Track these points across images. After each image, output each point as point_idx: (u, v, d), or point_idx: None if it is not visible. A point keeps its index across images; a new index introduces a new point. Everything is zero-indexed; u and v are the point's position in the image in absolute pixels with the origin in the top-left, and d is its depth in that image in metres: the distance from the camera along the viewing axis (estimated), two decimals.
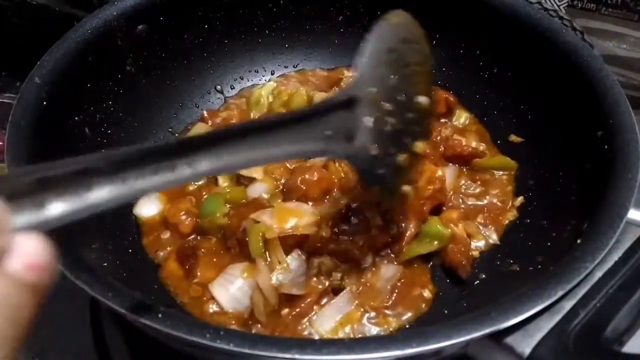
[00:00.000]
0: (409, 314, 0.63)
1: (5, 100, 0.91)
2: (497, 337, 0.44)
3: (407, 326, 0.62)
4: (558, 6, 0.98)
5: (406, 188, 0.58)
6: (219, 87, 0.90)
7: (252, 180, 0.72)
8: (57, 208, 0.29)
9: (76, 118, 0.70)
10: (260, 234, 0.63)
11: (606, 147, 0.59)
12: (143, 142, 0.80)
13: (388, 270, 0.65)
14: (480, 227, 0.70)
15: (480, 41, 0.81)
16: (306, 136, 0.43)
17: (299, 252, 0.63)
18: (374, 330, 0.61)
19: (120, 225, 0.69)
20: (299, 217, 0.64)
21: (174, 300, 0.64)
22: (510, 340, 0.44)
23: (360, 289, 0.64)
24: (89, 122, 0.72)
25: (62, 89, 0.67)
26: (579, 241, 0.51)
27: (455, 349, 0.46)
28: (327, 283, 0.63)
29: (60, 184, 0.30)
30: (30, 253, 0.26)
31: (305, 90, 0.85)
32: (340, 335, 0.60)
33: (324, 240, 0.63)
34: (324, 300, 0.63)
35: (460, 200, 0.74)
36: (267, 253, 0.63)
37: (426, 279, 0.66)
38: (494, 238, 0.69)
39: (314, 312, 0.62)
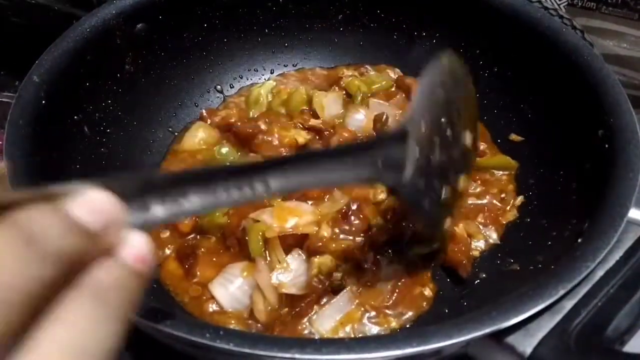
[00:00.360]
0: (410, 313, 0.62)
1: (3, 100, 0.91)
2: (498, 337, 0.44)
3: (407, 325, 0.62)
4: (558, 5, 0.98)
5: (448, 222, 0.59)
6: (218, 86, 0.89)
7: None
8: (158, 211, 0.34)
9: (75, 117, 0.69)
10: (260, 234, 0.63)
11: (607, 146, 0.59)
12: (142, 141, 0.80)
13: (389, 270, 0.65)
14: (481, 227, 0.69)
15: (480, 40, 0.81)
16: (362, 164, 0.47)
17: (299, 252, 0.62)
18: (374, 330, 0.61)
19: None
20: (299, 217, 0.64)
21: (173, 300, 0.63)
22: (511, 339, 0.44)
23: (360, 288, 0.63)
24: (88, 121, 0.71)
25: (60, 88, 0.66)
26: (579, 240, 0.51)
27: (455, 348, 0.46)
28: (327, 283, 0.62)
29: (161, 190, 0.34)
30: (138, 247, 0.30)
31: (305, 89, 0.85)
32: (341, 334, 0.60)
33: (324, 240, 0.63)
34: (324, 300, 0.62)
35: None
36: (266, 252, 0.63)
37: (427, 278, 0.65)
38: (494, 238, 0.69)
39: (314, 312, 0.61)
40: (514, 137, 0.77)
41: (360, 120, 0.80)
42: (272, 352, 0.40)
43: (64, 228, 0.26)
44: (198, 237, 0.68)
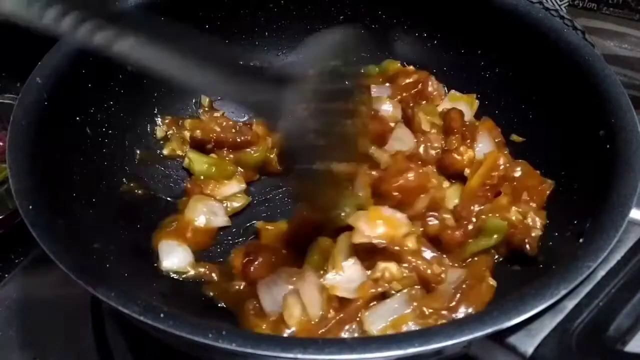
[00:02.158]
0: (470, 309, 0.57)
1: (5, 101, 0.91)
2: (500, 337, 0.44)
3: None
4: (559, 6, 0.99)
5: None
6: None
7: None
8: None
9: (77, 118, 0.70)
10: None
11: (608, 146, 0.59)
12: (144, 141, 0.80)
13: (453, 275, 0.62)
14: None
15: (481, 41, 0.81)
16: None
17: (355, 259, 0.61)
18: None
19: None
20: (393, 228, 0.61)
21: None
22: (512, 339, 0.44)
23: (419, 291, 0.61)
24: (90, 122, 0.72)
25: (62, 89, 0.67)
26: (581, 240, 0.51)
27: (457, 348, 0.46)
28: (380, 289, 0.60)
29: None
30: None
31: None
32: None
33: (405, 250, 0.61)
34: (372, 303, 0.60)
35: None
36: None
37: (486, 269, 0.64)
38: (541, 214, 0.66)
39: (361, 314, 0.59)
40: (515, 137, 0.77)
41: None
42: (275, 352, 0.40)
43: None
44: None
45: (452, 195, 0.72)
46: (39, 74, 0.66)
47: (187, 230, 0.71)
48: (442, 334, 0.42)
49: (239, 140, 0.79)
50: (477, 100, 0.82)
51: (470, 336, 0.42)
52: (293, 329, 0.58)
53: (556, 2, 0.98)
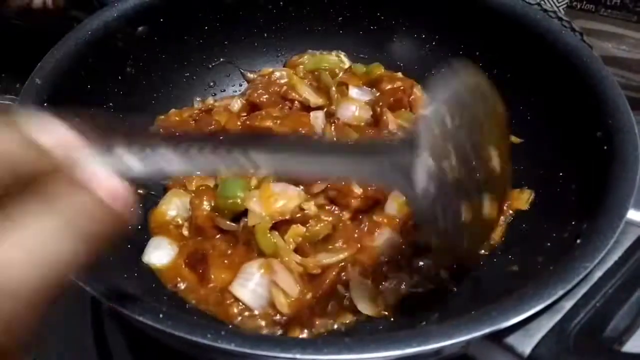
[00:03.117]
0: None
1: (5, 102, 0.91)
2: (498, 337, 0.45)
3: None
4: (557, 7, 0.99)
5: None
6: (218, 88, 0.90)
7: None
8: (134, 164, 0.33)
9: (76, 119, 0.70)
10: (268, 232, 0.65)
11: (605, 147, 0.59)
12: None
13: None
14: None
15: (479, 42, 0.81)
16: (365, 160, 0.44)
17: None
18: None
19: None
20: (287, 200, 0.66)
21: (198, 310, 0.64)
22: (510, 340, 0.44)
23: None
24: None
25: (62, 90, 0.67)
26: (578, 241, 0.51)
27: (455, 348, 0.46)
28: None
29: (140, 144, 0.34)
30: (112, 185, 0.30)
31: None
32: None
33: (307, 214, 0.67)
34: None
35: None
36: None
37: None
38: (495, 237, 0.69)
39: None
40: (512, 138, 0.76)
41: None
42: (274, 352, 0.40)
43: (15, 140, 0.28)
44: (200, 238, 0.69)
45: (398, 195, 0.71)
46: (39, 74, 0.66)
47: (169, 226, 0.71)
48: (440, 334, 0.42)
49: (205, 130, 0.78)
50: None
51: (469, 336, 0.42)
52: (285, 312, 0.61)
53: (554, 4, 0.99)
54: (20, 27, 1.05)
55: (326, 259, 0.65)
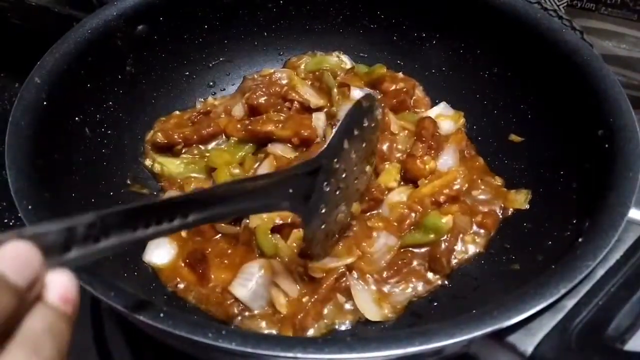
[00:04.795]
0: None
1: None
2: (499, 336, 0.44)
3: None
4: (557, 6, 0.99)
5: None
6: (218, 86, 0.90)
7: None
8: (74, 253, 0.34)
9: (76, 118, 0.70)
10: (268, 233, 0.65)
11: (607, 146, 0.59)
12: (139, 142, 0.80)
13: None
14: (475, 227, 0.70)
15: (480, 41, 0.82)
16: (276, 195, 0.53)
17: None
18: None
19: None
20: None
21: (199, 310, 0.64)
22: (512, 338, 0.44)
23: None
24: (89, 123, 0.72)
25: (62, 89, 0.67)
26: (580, 240, 0.51)
27: (457, 348, 0.46)
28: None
29: (80, 234, 0.34)
30: (62, 286, 0.32)
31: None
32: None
33: None
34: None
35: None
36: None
37: None
38: (480, 245, 0.70)
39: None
40: (514, 137, 0.77)
41: None
42: (275, 351, 0.40)
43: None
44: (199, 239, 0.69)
45: (400, 191, 0.74)
46: (38, 73, 0.66)
47: None
48: (442, 333, 0.42)
49: (203, 133, 0.79)
50: (463, 118, 0.83)
51: (470, 335, 0.42)
52: (284, 312, 0.62)
53: (555, 3, 0.99)
54: (19, 27, 1.04)
55: (331, 263, 0.65)
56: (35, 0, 1.19)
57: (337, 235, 0.66)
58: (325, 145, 0.58)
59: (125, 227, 0.37)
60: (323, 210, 0.59)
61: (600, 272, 0.48)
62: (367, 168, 0.68)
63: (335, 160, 0.58)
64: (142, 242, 0.46)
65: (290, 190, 0.54)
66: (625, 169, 0.55)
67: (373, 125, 0.66)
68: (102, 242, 0.36)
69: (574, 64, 0.68)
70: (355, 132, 0.61)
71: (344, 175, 0.61)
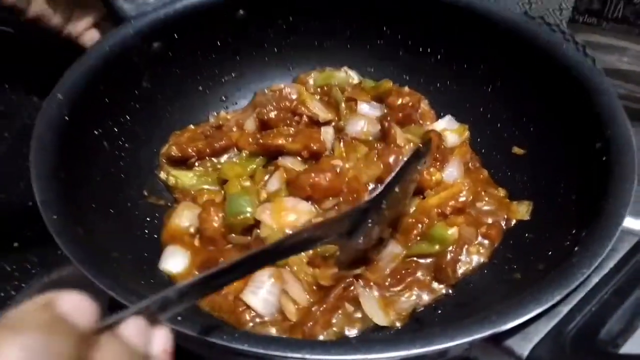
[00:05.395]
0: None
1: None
2: (498, 340, 0.47)
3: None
4: (560, 21, 1.01)
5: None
6: (230, 100, 0.93)
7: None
8: (169, 312, 0.41)
9: (95, 132, 0.73)
10: None
11: (604, 158, 0.61)
12: (155, 155, 0.83)
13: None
14: (480, 238, 0.72)
15: (483, 56, 0.84)
16: (328, 233, 0.57)
17: None
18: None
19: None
20: (297, 215, 0.70)
21: (212, 317, 0.66)
22: (509, 342, 0.46)
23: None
24: (107, 136, 0.75)
25: (82, 105, 0.70)
26: (576, 249, 0.53)
27: (458, 350, 0.48)
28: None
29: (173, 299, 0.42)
30: (164, 341, 0.40)
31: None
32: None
33: None
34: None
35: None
36: None
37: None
38: (484, 254, 0.72)
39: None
40: (516, 149, 0.79)
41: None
42: (285, 352, 0.43)
43: (131, 354, 0.36)
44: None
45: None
46: (60, 90, 0.69)
47: (183, 236, 0.73)
48: (443, 336, 0.44)
49: (216, 146, 0.81)
50: (467, 131, 0.86)
51: (469, 339, 0.44)
52: (294, 320, 0.64)
53: (557, 17, 1.01)
54: (28, 47, 1.07)
55: (340, 272, 0.67)
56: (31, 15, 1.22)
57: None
58: (380, 189, 0.62)
59: (205, 288, 0.44)
60: (360, 241, 0.63)
61: (595, 280, 0.50)
62: (407, 200, 0.72)
63: (385, 202, 0.63)
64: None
65: (339, 230, 0.59)
66: (621, 180, 0.57)
67: (421, 165, 0.71)
68: (188, 300, 0.42)
69: (573, 78, 0.71)
70: (406, 175, 0.67)
71: (386, 212, 0.65)
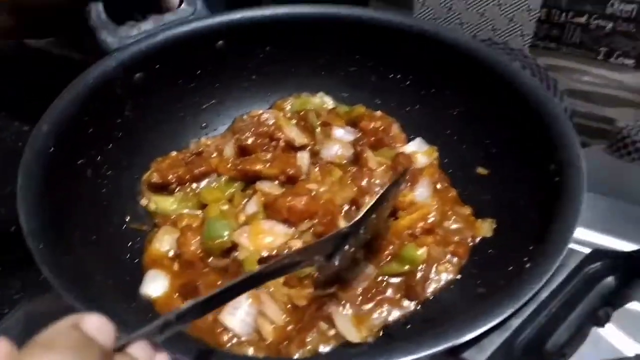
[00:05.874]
0: None
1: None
2: (455, 352, 0.50)
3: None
4: (522, 45, 1.07)
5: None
6: (210, 127, 0.97)
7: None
8: (167, 333, 0.46)
9: (79, 161, 0.75)
10: (256, 264, 0.71)
11: (557, 179, 0.66)
12: (137, 181, 0.86)
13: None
14: (449, 256, 0.76)
15: (448, 82, 0.89)
16: (307, 257, 0.61)
17: None
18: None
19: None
20: (274, 237, 0.74)
21: (189, 337, 0.68)
22: (466, 354, 0.50)
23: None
24: (91, 164, 0.77)
25: (67, 135, 0.73)
26: (527, 265, 0.57)
27: None
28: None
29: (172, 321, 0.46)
30: None
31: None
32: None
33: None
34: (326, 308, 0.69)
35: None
36: None
37: None
38: (453, 271, 0.75)
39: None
40: (480, 170, 0.84)
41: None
42: None
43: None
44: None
45: None
46: (45, 121, 0.72)
47: (163, 260, 0.76)
48: (402, 350, 0.48)
49: (196, 172, 0.85)
50: (436, 153, 0.90)
51: (429, 352, 0.48)
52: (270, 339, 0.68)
53: (520, 43, 1.07)
54: (18, 69, 1.09)
55: (315, 291, 0.71)
56: (34, 44, 1.26)
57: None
58: (357, 218, 0.65)
59: (201, 311, 0.49)
60: (336, 263, 0.66)
61: (545, 294, 0.54)
62: (383, 223, 0.76)
63: (363, 227, 0.66)
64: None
65: (318, 254, 0.63)
66: (570, 200, 0.62)
67: (397, 189, 0.74)
68: (184, 322, 0.47)
69: (529, 104, 0.76)
70: (384, 204, 0.69)
71: (364, 237, 0.69)
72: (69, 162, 0.74)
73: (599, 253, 0.56)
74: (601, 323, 0.53)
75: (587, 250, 0.58)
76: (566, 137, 0.70)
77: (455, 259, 0.77)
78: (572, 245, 0.57)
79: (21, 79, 1.10)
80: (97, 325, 0.38)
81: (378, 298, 0.72)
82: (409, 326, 0.70)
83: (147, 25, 0.87)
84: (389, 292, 0.72)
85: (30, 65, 1.22)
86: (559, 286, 0.54)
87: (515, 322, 0.51)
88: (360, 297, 0.72)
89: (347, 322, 0.69)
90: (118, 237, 0.77)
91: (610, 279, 0.55)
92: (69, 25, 0.90)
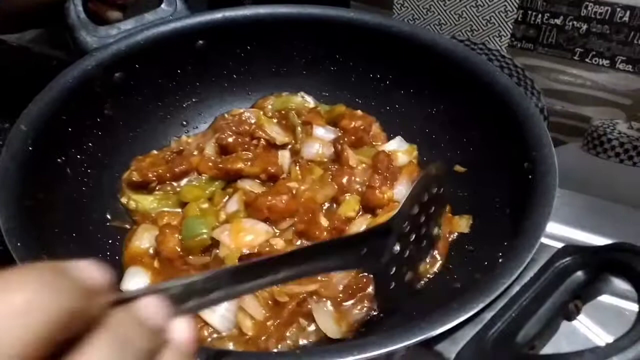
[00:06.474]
0: None
1: None
2: (429, 345, 0.52)
3: None
4: (500, 46, 1.09)
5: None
6: (191, 125, 0.97)
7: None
8: (192, 304, 0.39)
9: (58, 160, 0.76)
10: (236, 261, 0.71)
11: (530, 177, 0.68)
12: (117, 180, 0.86)
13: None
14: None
15: (426, 82, 0.90)
16: (350, 255, 0.56)
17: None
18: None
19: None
20: (255, 235, 0.74)
21: None
22: (439, 347, 0.51)
23: None
24: (70, 163, 0.77)
25: (45, 135, 0.73)
26: (500, 261, 0.59)
27: (397, 357, 0.53)
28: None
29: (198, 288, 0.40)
30: (186, 331, 0.37)
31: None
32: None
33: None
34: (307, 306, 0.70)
35: None
36: None
37: None
38: (432, 267, 0.76)
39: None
40: (458, 168, 0.85)
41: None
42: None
43: (145, 332, 0.33)
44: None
45: (360, 223, 0.81)
46: (24, 122, 0.72)
47: (143, 257, 0.76)
48: (375, 344, 0.49)
49: (176, 171, 0.85)
50: (416, 151, 0.91)
51: (401, 344, 0.49)
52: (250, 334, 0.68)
53: (497, 43, 1.09)
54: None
55: (296, 288, 0.71)
56: (15, 41, 1.26)
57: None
58: (396, 210, 0.63)
59: (233, 282, 0.42)
60: (392, 271, 0.63)
61: (516, 288, 0.55)
62: (435, 230, 0.74)
63: (406, 223, 0.63)
64: (243, 294, 0.53)
65: (363, 252, 0.57)
66: (542, 197, 0.63)
67: (440, 193, 0.70)
68: (214, 294, 0.41)
69: (504, 103, 0.77)
70: (425, 198, 0.66)
71: (413, 237, 0.66)
72: (48, 161, 0.74)
73: (569, 248, 0.57)
74: (571, 316, 0.55)
75: (560, 246, 0.60)
76: (540, 134, 0.71)
77: (436, 255, 0.78)
78: (546, 241, 0.58)
79: (0, 76, 1.09)
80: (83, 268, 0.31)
81: (359, 295, 0.73)
82: (388, 321, 0.71)
83: (127, 25, 0.87)
84: (370, 289, 0.73)
85: (10, 62, 1.21)
86: (530, 280, 0.55)
87: (487, 316, 0.53)
88: (341, 294, 0.72)
89: (327, 318, 0.70)
90: (98, 235, 0.77)
91: (580, 273, 0.56)
92: (49, 20, 0.90)
